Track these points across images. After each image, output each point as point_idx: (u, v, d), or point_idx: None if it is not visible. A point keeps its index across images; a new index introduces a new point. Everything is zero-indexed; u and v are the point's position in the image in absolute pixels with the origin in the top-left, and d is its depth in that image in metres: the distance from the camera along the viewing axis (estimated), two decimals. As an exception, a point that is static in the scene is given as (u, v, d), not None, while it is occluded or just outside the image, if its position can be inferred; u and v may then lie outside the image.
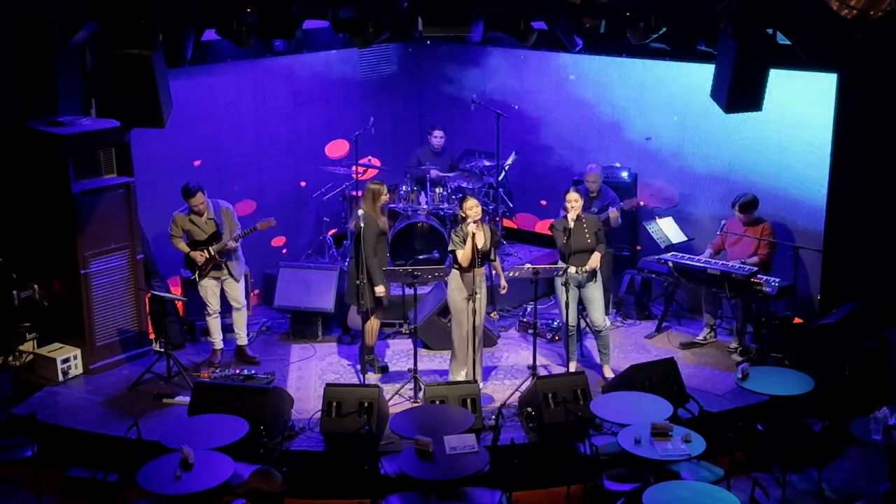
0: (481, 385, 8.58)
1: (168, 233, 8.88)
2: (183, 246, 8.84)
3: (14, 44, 8.55)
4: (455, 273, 8.33)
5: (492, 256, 8.38)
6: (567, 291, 8.50)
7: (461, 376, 8.51)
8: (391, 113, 11.76)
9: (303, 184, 11.05)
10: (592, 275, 8.57)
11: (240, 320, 9.15)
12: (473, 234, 8.17)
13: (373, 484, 6.75)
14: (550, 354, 9.41)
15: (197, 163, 10.02)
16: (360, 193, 9.80)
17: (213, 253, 8.79)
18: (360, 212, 8.40)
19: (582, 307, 8.80)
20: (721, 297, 9.39)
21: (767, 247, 9.18)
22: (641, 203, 10.05)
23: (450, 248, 8.38)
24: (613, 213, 9.55)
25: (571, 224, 8.42)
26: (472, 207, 8.21)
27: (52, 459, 7.63)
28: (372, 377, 8.82)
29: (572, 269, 8.53)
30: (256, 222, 8.94)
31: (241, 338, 9.19)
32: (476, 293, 8.26)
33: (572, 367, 8.75)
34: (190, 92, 9.59)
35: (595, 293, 8.61)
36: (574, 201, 8.47)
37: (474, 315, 8.31)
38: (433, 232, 10.28)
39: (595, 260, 8.57)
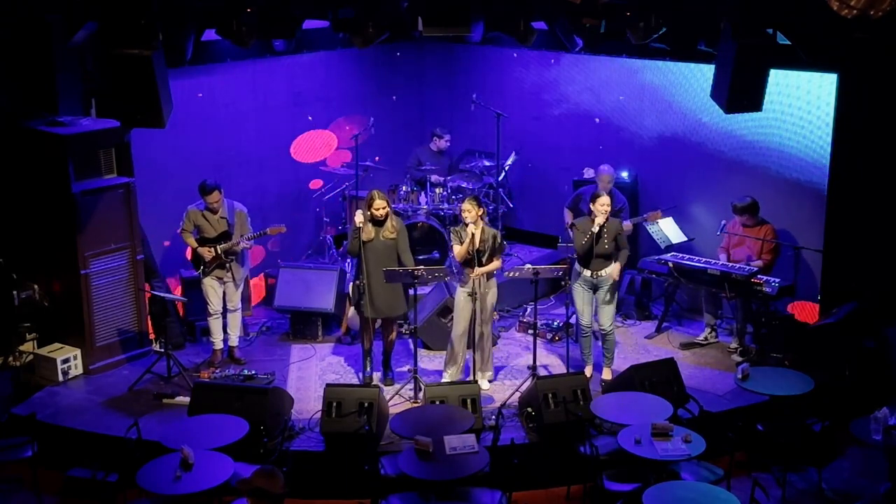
0: (487, 385, 8.60)
1: (180, 226, 8.92)
2: (191, 241, 8.86)
3: (14, 44, 8.54)
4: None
5: (484, 260, 8.34)
6: (582, 293, 8.56)
7: (452, 375, 8.52)
8: (391, 113, 11.76)
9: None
10: (608, 278, 8.54)
11: (234, 322, 9.17)
12: (473, 234, 8.21)
13: (373, 484, 6.75)
14: (550, 354, 9.41)
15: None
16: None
17: (219, 252, 8.80)
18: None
19: (593, 308, 8.77)
20: (721, 298, 9.38)
21: (771, 252, 9.18)
22: (661, 214, 9.87)
23: (450, 244, 8.42)
24: (628, 225, 9.44)
25: (596, 228, 8.38)
26: (467, 210, 8.23)
27: (52, 459, 7.63)
28: (376, 377, 8.82)
29: (587, 273, 8.52)
30: (267, 227, 8.98)
31: (233, 339, 9.21)
32: (478, 293, 8.28)
33: (588, 371, 8.72)
34: (190, 92, 9.59)
35: (608, 297, 8.58)
36: (605, 206, 8.38)
37: (480, 314, 8.33)
38: (433, 232, 10.28)
39: (615, 270, 8.52)
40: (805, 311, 9.43)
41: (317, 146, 11.25)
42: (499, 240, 8.46)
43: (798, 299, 9.39)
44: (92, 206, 8.71)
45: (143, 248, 9.17)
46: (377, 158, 10.99)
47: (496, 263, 8.44)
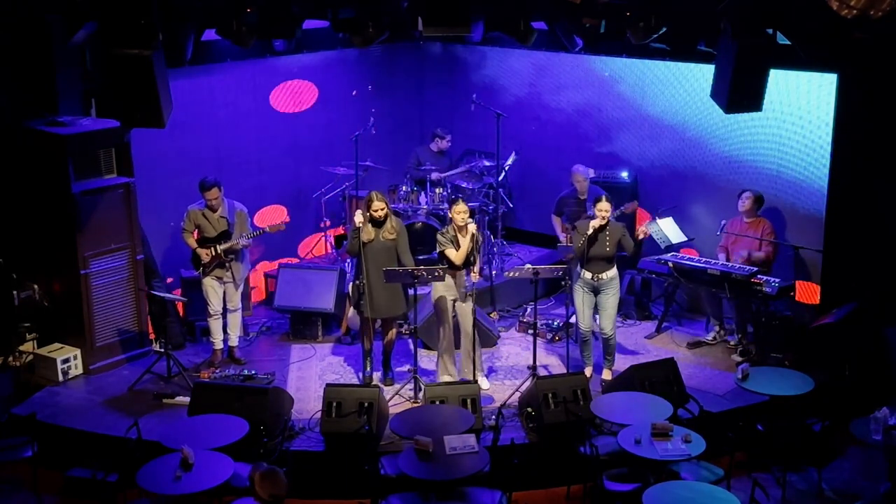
0: (486, 386, 8.60)
1: (181, 227, 8.91)
2: (192, 241, 8.86)
3: (14, 44, 8.54)
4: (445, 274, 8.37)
5: (473, 258, 8.38)
6: (582, 294, 8.57)
7: (450, 375, 8.52)
8: (391, 113, 11.76)
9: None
10: (609, 282, 8.56)
11: (234, 322, 9.17)
12: (473, 235, 8.23)
13: (373, 484, 6.75)
14: (550, 354, 9.41)
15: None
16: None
17: (219, 251, 8.80)
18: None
19: (594, 311, 8.77)
20: (721, 298, 9.38)
21: (771, 244, 9.19)
22: (636, 205, 10.01)
23: (438, 250, 8.40)
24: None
25: (591, 231, 8.39)
26: (459, 213, 8.24)
27: (52, 459, 7.63)
28: (376, 377, 8.82)
29: (588, 275, 8.53)
30: (266, 225, 8.99)
31: (232, 339, 9.21)
32: (468, 294, 8.31)
33: (588, 373, 8.71)
34: (190, 92, 9.59)
35: (610, 300, 8.57)
36: (605, 210, 8.38)
37: (473, 316, 8.34)
38: (433, 232, 10.26)
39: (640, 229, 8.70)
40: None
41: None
42: (478, 236, 8.51)
43: (798, 302, 9.39)
44: (92, 206, 8.71)
45: (143, 248, 9.18)
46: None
47: (479, 259, 8.56)
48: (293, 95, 10.99)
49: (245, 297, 9.81)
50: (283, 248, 11.00)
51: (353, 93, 11.06)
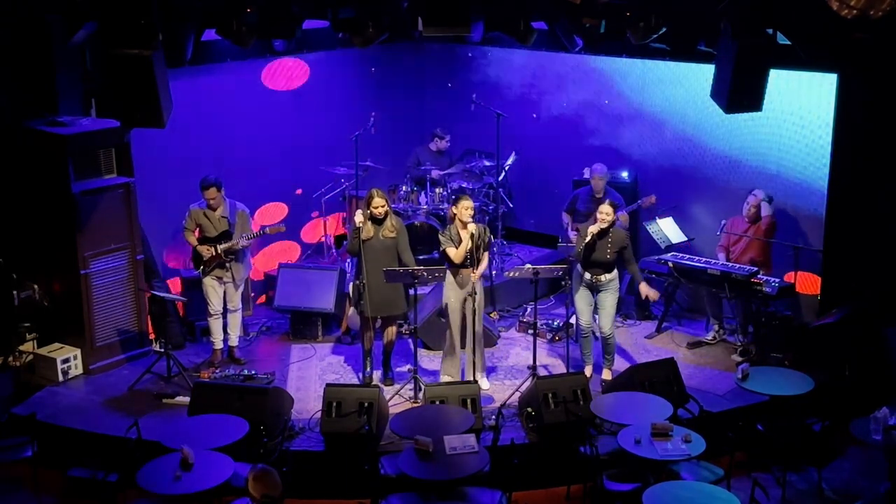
0: (486, 386, 8.60)
1: (182, 225, 8.92)
2: (192, 239, 8.87)
3: (14, 44, 8.54)
4: (450, 273, 8.35)
5: (478, 256, 8.37)
6: (582, 293, 8.57)
7: (451, 376, 8.52)
8: (391, 113, 11.75)
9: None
10: (608, 283, 8.56)
11: (234, 322, 9.18)
12: (472, 234, 8.22)
13: (373, 484, 6.75)
14: (550, 354, 9.41)
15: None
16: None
17: (219, 251, 8.80)
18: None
19: (593, 309, 8.77)
20: (721, 298, 9.38)
21: (769, 232, 9.24)
22: (654, 199, 9.99)
23: (441, 248, 8.41)
24: (624, 216, 9.49)
25: (589, 237, 8.39)
26: (467, 209, 8.23)
27: (52, 459, 7.63)
28: (376, 376, 8.82)
29: (587, 276, 8.53)
30: (266, 227, 8.99)
31: (232, 339, 9.22)
32: (474, 294, 8.29)
33: (588, 371, 8.72)
34: (190, 92, 9.59)
35: (609, 300, 8.57)
36: (606, 214, 8.38)
37: (474, 315, 8.34)
38: (433, 232, 10.28)
39: (646, 289, 8.68)
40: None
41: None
42: (487, 233, 8.52)
43: (798, 302, 9.39)
44: (92, 206, 8.71)
45: (143, 248, 9.18)
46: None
47: (486, 258, 8.53)
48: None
49: (245, 297, 9.81)
50: (285, 235, 10.96)
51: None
